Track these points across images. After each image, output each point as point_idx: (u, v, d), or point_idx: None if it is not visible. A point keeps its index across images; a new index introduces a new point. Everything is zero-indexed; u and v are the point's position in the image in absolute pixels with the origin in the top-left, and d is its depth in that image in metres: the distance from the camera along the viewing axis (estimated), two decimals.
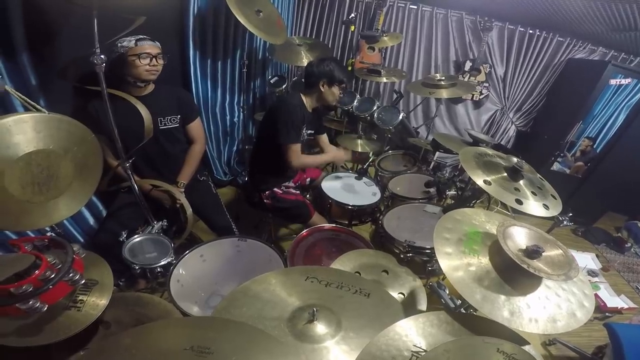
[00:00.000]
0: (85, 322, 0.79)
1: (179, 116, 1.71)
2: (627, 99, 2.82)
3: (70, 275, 0.75)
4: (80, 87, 1.35)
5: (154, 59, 1.50)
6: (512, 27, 3.22)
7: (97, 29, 0.98)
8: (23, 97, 0.90)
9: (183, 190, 1.71)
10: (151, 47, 1.49)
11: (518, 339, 0.80)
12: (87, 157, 1.06)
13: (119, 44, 1.42)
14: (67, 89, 1.43)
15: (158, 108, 1.60)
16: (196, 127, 1.82)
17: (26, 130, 0.88)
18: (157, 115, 1.60)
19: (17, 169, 0.87)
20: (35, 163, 0.91)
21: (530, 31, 3.20)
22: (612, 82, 2.76)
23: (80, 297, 0.84)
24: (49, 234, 1.09)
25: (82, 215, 1.59)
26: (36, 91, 1.24)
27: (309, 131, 1.90)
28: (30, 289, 0.67)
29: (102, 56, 1.04)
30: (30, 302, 0.67)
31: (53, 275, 0.72)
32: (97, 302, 0.85)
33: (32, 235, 1.17)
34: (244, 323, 0.77)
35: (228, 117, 2.70)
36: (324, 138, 2.08)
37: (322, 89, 1.76)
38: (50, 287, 0.70)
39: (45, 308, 0.70)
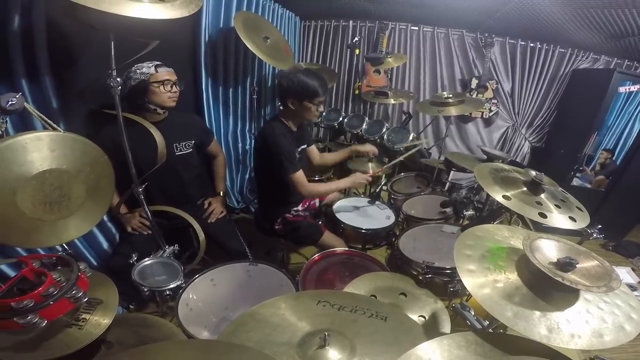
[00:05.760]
0: (85, 341, 0.76)
1: (194, 141, 1.73)
2: None
3: (73, 292, 0.73)
4: (97, 110, 1.39)
5: (174, 86, 1.52)
6: (512, 41, 3.25)
7: (114, 52, 1.02)
8: (40, 114, 0.93)
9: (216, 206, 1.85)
10: (169, 73, 1.52)
11: (557, 357, 0.72)
12: (100, 179, 1.07)
13: (138, 71, 1.44)
14: (84, 112, 1.45)
15: (173, 134, 1.61)
16: (214, 146, 1.96)
17: (41, 148, 0.90)
18: (173, 141, 1.61)
19: (29, 187, 0.88)
20: (48, 182, 0.92)
21: (531, 44, 3.22)
22: (621, 89, 2.69)
23: (83, 316, 0.82)
24: (60, 253, 1.08)
25: (96, 239, 1.57)
26: (57, 114, 1.26)
27: (302, 147, 1.84)
28: (31, 304, 0.65)
29: (118, 79, 1.07)
30: (29, 317, 0.65)
31: (55, 292, 0.70)
32: (99, 321, 0.82)
33: (43, 253, 1.16)
34: (248, 347, 0.73)
35: (240, 145, 2.71)
36: (313, 149, 2.01)
37: (293, 108, 1.60)
38: (51, 303, 0.68)
39: (44, 324, 0.68)
